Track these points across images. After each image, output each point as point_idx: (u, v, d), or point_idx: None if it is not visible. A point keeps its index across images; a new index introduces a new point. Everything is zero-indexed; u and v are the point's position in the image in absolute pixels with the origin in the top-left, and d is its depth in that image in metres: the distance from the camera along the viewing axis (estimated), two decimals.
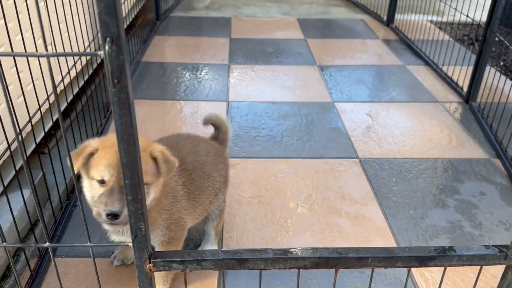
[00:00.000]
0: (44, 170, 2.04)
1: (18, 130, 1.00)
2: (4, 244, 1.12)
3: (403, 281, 1.79)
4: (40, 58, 2.02)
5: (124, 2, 3.65)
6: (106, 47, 0.82)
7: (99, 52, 0.85)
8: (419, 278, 1.81)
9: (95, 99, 2.85)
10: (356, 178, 2.42)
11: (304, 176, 2.43)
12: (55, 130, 2.58)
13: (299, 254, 1.17)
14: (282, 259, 1.17)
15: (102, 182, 1.31)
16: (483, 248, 1.22)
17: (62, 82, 2.21)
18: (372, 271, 1.21)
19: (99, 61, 3.15)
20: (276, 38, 4.51)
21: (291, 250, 1.17)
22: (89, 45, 2.71)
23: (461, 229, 2.07)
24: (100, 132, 2.73)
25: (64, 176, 2.20)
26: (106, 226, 1.37)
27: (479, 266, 1.22)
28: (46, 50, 0.85)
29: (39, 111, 1.93)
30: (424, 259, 1.18)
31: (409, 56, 4.14)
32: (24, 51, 1.82)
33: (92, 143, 1.37)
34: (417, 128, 2.93)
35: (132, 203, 1.04)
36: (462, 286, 1.78)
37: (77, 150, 1.35)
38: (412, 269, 1.85)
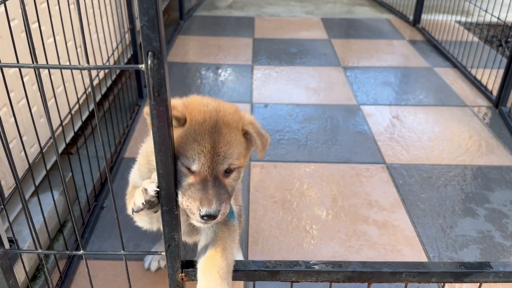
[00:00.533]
0: (73, 171, 2.07)
1: (52, 131, 1.01)
2: (40, 250, 1.13)
3: None
4: (72, 60, 2.04)
5: None
6: (149, 61, 0.82)
7: (140, 66, 0.85)
8: None
9: (122, 100, 2.88)
10: (383, 185, 2.38)
11: (329, 181, 2.40)
12: (83, 131, 2.61)
13: (332, 268, 1.15)
14: (314, 272, 1.15)
15: (190, 167, 1.10)
16: None
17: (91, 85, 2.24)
18: (406, 286, 1.19)
19: (126, 60, 3.18)
20: (300, 38, 4.48)
21: (324, 263, 1.16)
22: (111, 55, 2.73)
23: (492, 239, 2.02)
24: (126, 134, 2.75)
25: (92, 177, 2.23)
26: (194, 222, 1.12)
27: None
28: (88, 63, 0.85)
29: (69, 113, 1.95)
30: (460, 275, 1.16)
31: (436, 58, 4.06)
32: (56, 53, 1.84)
33: (176, 106, 1.11)
34: (445, 133, 2.87)
35: (167, 213, 1.04)
36: None
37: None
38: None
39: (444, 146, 2.73)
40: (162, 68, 0.85)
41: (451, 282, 1.16)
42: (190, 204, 1.07)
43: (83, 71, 2.15)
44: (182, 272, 1.14)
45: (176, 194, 1.06)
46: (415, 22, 4.81)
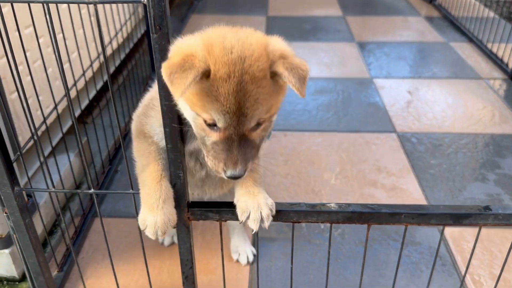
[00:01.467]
0: (87, 137, 2.14)
1: (67, 91, 1.05)
2: (53, 189, 1.19)
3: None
4: (86, 28, 2.10)
5: None
6: None
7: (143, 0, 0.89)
8: (454, 247, 1.79)
9: (135, 75, 2.94)
10: (393, 152, 2.39)
11: (339, 149, 2.42)
12: (98, 101, 2.68)
13: (332, 207, 1.18)
14: (314, 212, 1.19)
15: (212, 125, 0.99)
16: None
17: (110, 44, 2.30)
18: (405, 229, 1.21)
19: (139, 35, 3.24)
20: (314, 16, 4.47)
21: (324, 204, 1.19)
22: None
23: (501, 202, 2.02)
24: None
25: (107, 143, 2.30)
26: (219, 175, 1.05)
27: None
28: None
29: (83, 78, 2.01)
30: (459, 217, 1.17)
31: (452, 33, 4.00)
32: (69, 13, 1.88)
33: (197, 52, 0.96)
34: (458, 104, 2.85)
35: (172, 151, 1.08)
36: (500, 258, 1.74)
37: (178, 61, 0.93)
38: (448, 238, 1.83)
39: (457, 116, 2.72)
40: (163, 1, 0.88)
41: (450, 225, 1.18)
42: (214, 165, 1.02)
43: (95, 42, 2.21)
44: (188, 211, 1.19)
45: (182, 133, 1.08)
46: None
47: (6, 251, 1.52)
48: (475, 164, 2.28)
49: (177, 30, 4.01)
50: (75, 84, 1.85)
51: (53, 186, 1.23)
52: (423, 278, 1.65)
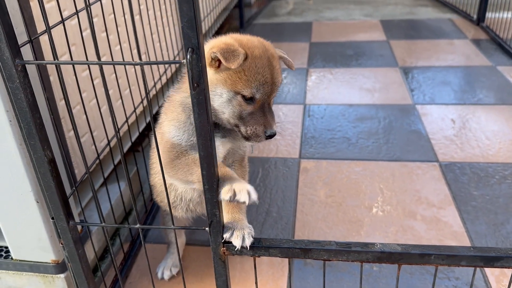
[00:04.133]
0: (138, 166, 2.29)
1: (116, 129, 1.18)
2: (103, 224, 1.32)
3: (477, 286, 1.75)
4: (136, 67, 2.27)
5: (210, 13, 3.90)
6: (188, 56, 0.97)
7: (182, 60, 1.00)
8: (494, 284, 1.75)
9: None
10: (435, 182, 2.37)
11: (379, 178, 2.44)
12: (148, 131, 2.86)
13: (361, 248, 1.22)
14: (345, 251, 1.23)
15: (250, 99, 1.28)
16: None
17: (154, 88, 2.47)
18: (436, 270, 1.23)
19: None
20: (357, 41, 4.51)
21: (354, 242, 1.24)
22: (177, 54, 2.96)
23: None
24: None
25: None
26: (254, 141, 1.32)
27: None
28: (140, 59, 1.01)
29: (134, 113, 2.17)
30: (490, 259, 1.18)
31: (500, 57, 3.91)
32: (122, 60, 2.07)
33: (231, 42, 1.26)
34: (504, 132, 2.78)
35: (208, 192, 1.18)
36: None
37: (223, 46, 1.21)
38: (489, 275, 1.79)
39: (502, 144, 2.65)
40: (200, 62, 0.99)
41: (481, 267, 1.19)
42: (255, 129, 1.30)
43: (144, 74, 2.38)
44: (223, 247, 1.27)
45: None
46: (479, 20, 4.64)
47: (62, 275, 1.67)
48: None
49: None
50: (126, 121, 2.01)
51: (103, 219, 1.35)
52: None
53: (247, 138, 1.33)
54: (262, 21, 5.35)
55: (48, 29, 1.11)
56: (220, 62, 1.26)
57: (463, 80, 3.55)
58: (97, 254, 1.89)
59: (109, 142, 1.82)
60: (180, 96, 1.41)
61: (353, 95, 3.41)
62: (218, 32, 4.43)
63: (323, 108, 3.22)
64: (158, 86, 2.62)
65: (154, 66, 2.56)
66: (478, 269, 1.83)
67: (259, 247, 1.27)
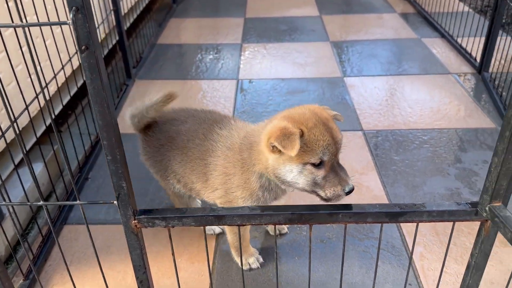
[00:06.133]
0: (57, 147, 2.18)
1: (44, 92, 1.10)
2: (10, 203, 1.24)
3: (395, 244, 1.84)
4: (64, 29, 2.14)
5: None
6: (72, 15, 0.91)
7: (67, 21, 0.94)
8: (410, 241, 1.85)
9: (112, 81, 2.98)
10: (359, 150, 2.45)
11: None
12: (72, 110, 2.73)
13: (273, 211, 1.23)
14: (257, 215, 1.24)
15: (319, 164, 1.33)
16: (454, 204, 1.25)
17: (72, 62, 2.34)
18: (345, 227, 1.27)
19: (113, 42, 3.28)
20: (290, 16, 4.52)
21: (266, 207, 1.25)
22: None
23: (459, 195, 2.08)
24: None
25: (76, 153, 2.32)
26: (336, 201, 1.38)
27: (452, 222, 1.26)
28: (21, 21, 0.94)
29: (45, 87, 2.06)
30: (395, 215, 1.23)
31: (425, 29, 4.07)
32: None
33: (285, 124, 1.32)
34: (425, 100, 2.91)
35: (112, 162, 1.13)
36: (454, 250, 1.80)
37: (278, 133, 1.30)
38: (405, 233, 1.89)
39: (423, 112, 2.78)
40: (87, 22, 0.93)
41: (387, 222, 1.23)
42: (334, 191, 1.35)
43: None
44: (135, 219, 1.24)
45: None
46: None
47: None
48: (437, 159, 2.34)
49: (156, 35, 4.05)
50: (44, 89, 1.89)
51: (8, 199, 1.27)
52: (379, 273, 1.71)
53: (327, 200, 1.37)
54: None
55: None
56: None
57: (390, 52, 3.66)
58: (9, 240, 1.79)
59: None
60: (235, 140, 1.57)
61: (285, 69, 3.43)
62: (149, 8, 4.28)
63: (255, 83, 3.22)
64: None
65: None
66: (395, 228, 1.93)
67: (172, 217, 1.24)
